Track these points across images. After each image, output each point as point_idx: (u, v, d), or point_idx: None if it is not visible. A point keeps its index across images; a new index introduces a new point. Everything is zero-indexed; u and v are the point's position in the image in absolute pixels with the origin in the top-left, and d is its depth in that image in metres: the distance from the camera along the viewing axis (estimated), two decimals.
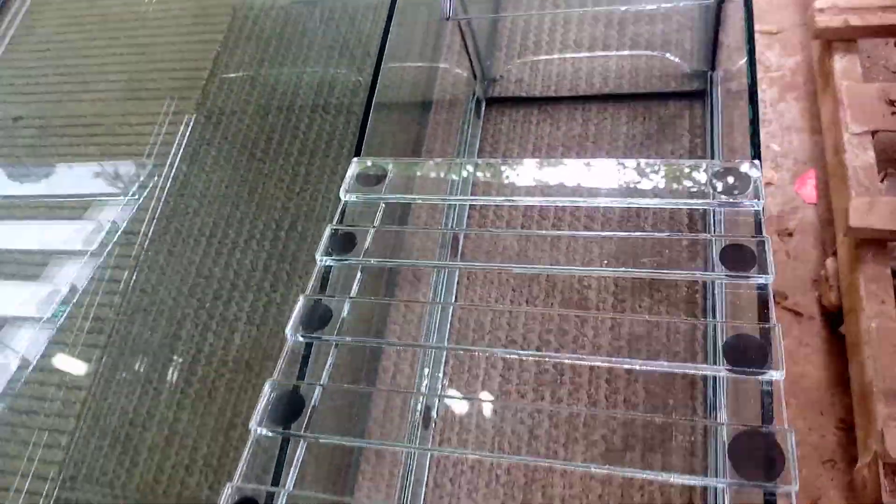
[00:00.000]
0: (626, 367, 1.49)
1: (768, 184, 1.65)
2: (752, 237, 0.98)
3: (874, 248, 1.34)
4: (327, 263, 1.10)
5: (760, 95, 1.76)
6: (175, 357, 1.79)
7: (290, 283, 1.81)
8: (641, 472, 1.38)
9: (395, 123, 1.82)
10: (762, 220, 0.99)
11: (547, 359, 1.50)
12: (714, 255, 0.98)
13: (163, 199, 2.03)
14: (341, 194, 1.16)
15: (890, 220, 1.31)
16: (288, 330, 1.03)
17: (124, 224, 2.03)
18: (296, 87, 2.12)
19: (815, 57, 1.71)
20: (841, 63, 1.54)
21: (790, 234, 1.58)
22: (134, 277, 1.93)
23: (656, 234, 1.57)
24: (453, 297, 1.63)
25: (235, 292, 1.83)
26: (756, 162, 1.00)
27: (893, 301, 1.29)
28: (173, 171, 2.08)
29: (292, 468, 0.96)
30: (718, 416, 1.28)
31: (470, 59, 1.77)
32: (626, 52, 1.78)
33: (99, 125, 2.26)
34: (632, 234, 1.54)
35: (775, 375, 0.86)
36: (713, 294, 1.41)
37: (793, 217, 1.61)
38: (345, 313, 1.06)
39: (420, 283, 1.69)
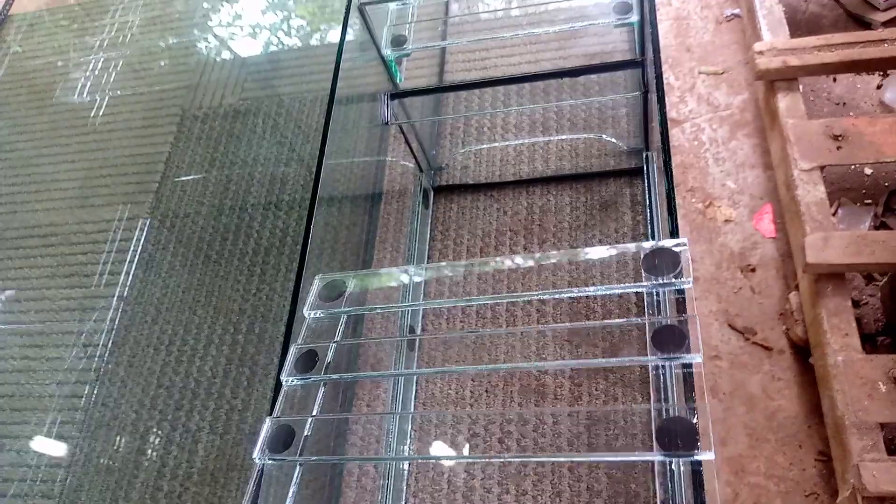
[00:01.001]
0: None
1: (727, 221, 1.68)
2: (679, 317, 1.01)
3: (833, 282, 1.36)
4: (293, 384, 1.15)
5: (712, 135, 1.82)
6: (139, 473, 1.78)
7: (251, 387, 1.82)
8: None
9: (346, 216, 1.86)
10: (689, 299, 1.03)
11: (509, 461, 1.52)
12: (648, 338, 1.02)
13: (120, 309, 2.05)
14: (305, 312, 1.21)
15: (845, 253, 1.34)
16: (255, 455, 1.07)
17: (82, 337, 2.03)
18: (247, 185, 2.16)
19: (760, 96, 1.75)
20: (784, 101, 1.59)
21: (753, 270, 1.61)
22: (95, 391, 1.93)
23: (590, 322, 1.61)
24: (413, 394, 1.65)
25: (197, 401, 1.84)
26: (682, 239, 1.03)
27: (857, 333, 1.31)
28: (129, 278, 2.09)
29: None
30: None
31: (414, 155, 1.82)
32: (566, 136, 1.85)
33: (54, 235, 2.28)
34: (568, 324, 1.58)
35: (705, 455, 0.89)
36: (658, 376, 1.44)
37: (754, 252, 1.64)
38: (307, 432, 1.10)
39: (381, 380, 1.71)
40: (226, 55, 2.52)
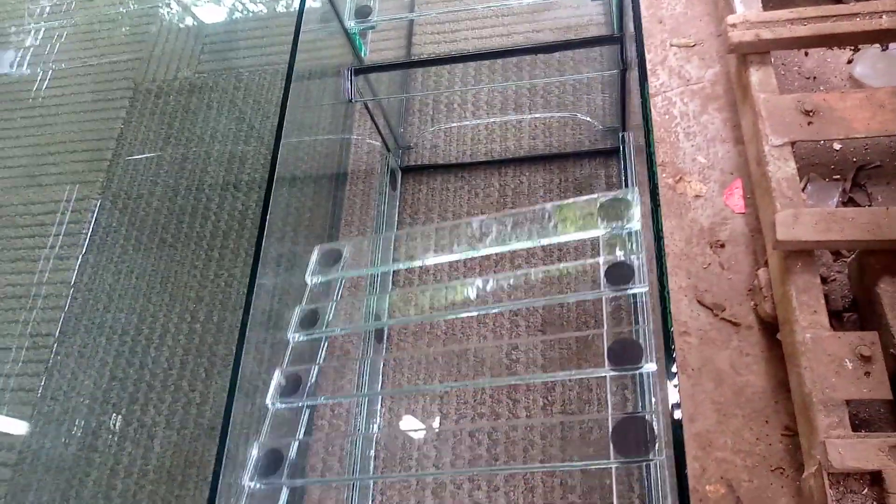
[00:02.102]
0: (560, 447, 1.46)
1: (697, 196, 1.67)
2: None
3: (803, 259, 1.37)
4: (299, 339, 1.30)
5: (683, 109, 1.79)
6: (91, 471, 1.70)
7: (209, 379, 1.74)
8: None
9: (308, 198, 1.77)
10: (637, 241, 1.14)
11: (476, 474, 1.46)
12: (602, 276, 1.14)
13: (70, 296, 1.94)
14: (307, 278, 1.37)
15: (815, 230, 1.34)
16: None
17: (29, 326, 1.93)
18: (204, 164, 2.06)
19: (732, 70, 1.74)
20: (757, 76, 1.57)
21: (722, 246, 1.60)
22: (44, 384, 1.84)
23: (559, 297, 1.56)
24: (379, 386, 1.58)
25: (152, 394, 1.76)
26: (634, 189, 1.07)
27: (825, 310, 1.32)
28: (79, 263, 1.99)
29: None
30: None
31: (380, 133, 1.73)
32: (539, 115, 1.77)
33: None
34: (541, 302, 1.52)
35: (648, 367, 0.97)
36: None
37: (723, 228, 1.63)
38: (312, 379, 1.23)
39: (345, 369, 1.64)
40: (180, 24, 2.39)
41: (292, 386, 1.25)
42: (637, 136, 1.59)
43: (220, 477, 1.14)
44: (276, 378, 1.25)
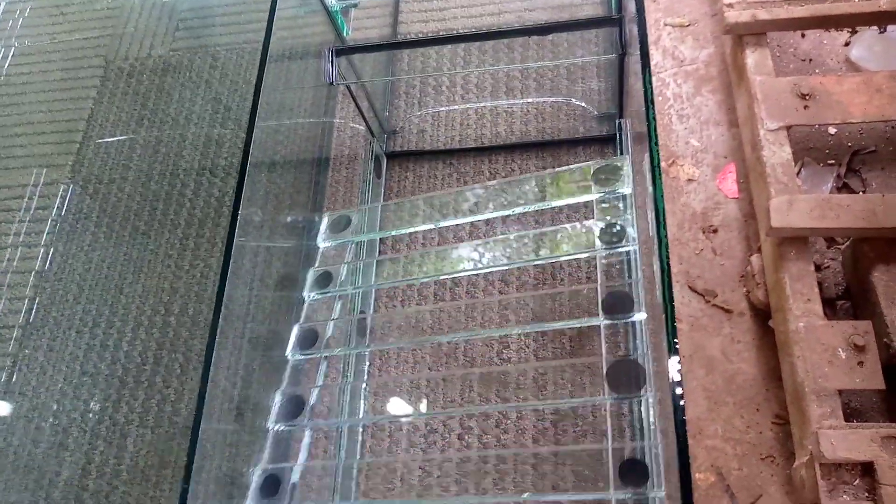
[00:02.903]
0: (552, 450, 1.41)
1: (690, 180, 1.64)
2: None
3: (797, 246, 1.35)
4: (314, 298, 1.43)
5: (676, 90, 1.75)
6: (62, 471, 1.63)
7: (184, 375, 1.68)
8: None
9: (288, 184, 1.69)
10: (629, 205, 1.20)
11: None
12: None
13: (38, 286, 1.86)
14: (318, 242, 1.49)
15: (810, 217, 1.33)
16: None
17: None
18: (179, 147, 1.97)
19: (727, 51, 1.71)
20: (753, 58, 1.55)
21: (715, 231, 1.58)
22: (12, 380, 1.76)
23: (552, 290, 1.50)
24: (363, 384, 1.52)
25: (125, 390, 1.69)
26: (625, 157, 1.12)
27: (819, 298, 1.31)
28: (48, 251, 1.90)
29: None
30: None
31: (364, 117, 1.65)
32: (531, 100, 1.70)
33: None
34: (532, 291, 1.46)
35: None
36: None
37: (716, 213, 1.60)
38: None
39: (330, 369, 1.58)
40: None
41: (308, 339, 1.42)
42: (635, 123, 1.52)
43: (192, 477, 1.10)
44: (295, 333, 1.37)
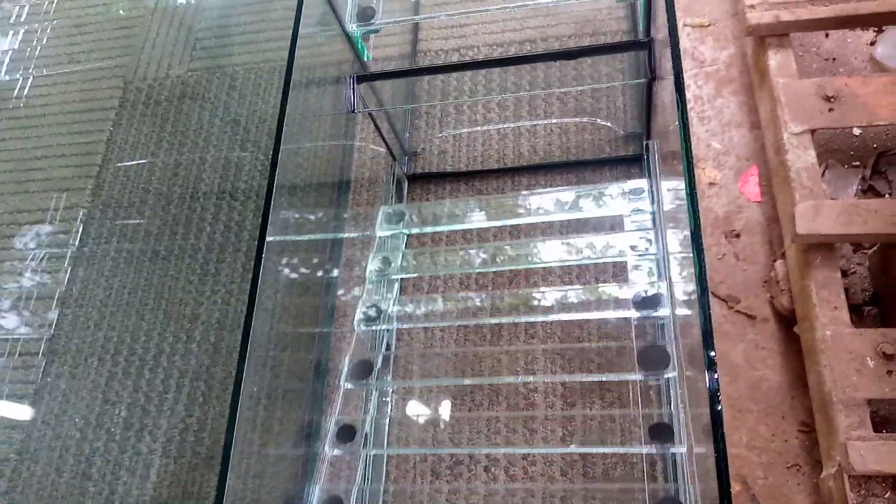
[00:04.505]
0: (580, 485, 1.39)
1: (712, 184, 1.63)
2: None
3: (823, 252, 1.34)
4: (374, 278, 1.58)
5: (697, 92, 1.73)
6: (86, 501, 1.64)
7: (206, 404, 1.68)
8: None
9: (309, 209, 1.69)
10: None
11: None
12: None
13: (60, 313, 1.87)
14: (377, 231, 1.62)
15: (836, 223, 1.31)
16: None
17: (18, 345, 1.86)
18: (199, 170, 1.97)
19: (748, 52, 1.69)
20: (776, 59, 1.53)
21: (737, 236, 1.57)
22: (35, 408, 1.77)
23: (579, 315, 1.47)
24: (387, 420, 1.51)
25: (147, 419, 1.69)
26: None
27: (846, 306, 1.30)
28: (68, 276, 1.91)
29: None
30: None
31: (384, 140, 1.64)
32: (554, 120, 1.67)
33: None
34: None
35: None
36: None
37: (739, 217, 1.59)
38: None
39: (349, 406, 1.57)
40: (171, 17, 2.29)
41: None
42: (663, 144, 1.50)
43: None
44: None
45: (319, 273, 1.67)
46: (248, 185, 1.91)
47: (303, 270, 1.55)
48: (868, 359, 1.24)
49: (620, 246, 1.44)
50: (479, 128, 1.74)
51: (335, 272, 1.73)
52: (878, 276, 1.41)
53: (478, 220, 1.56)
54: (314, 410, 1.56)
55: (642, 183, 1.48)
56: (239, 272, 1.80)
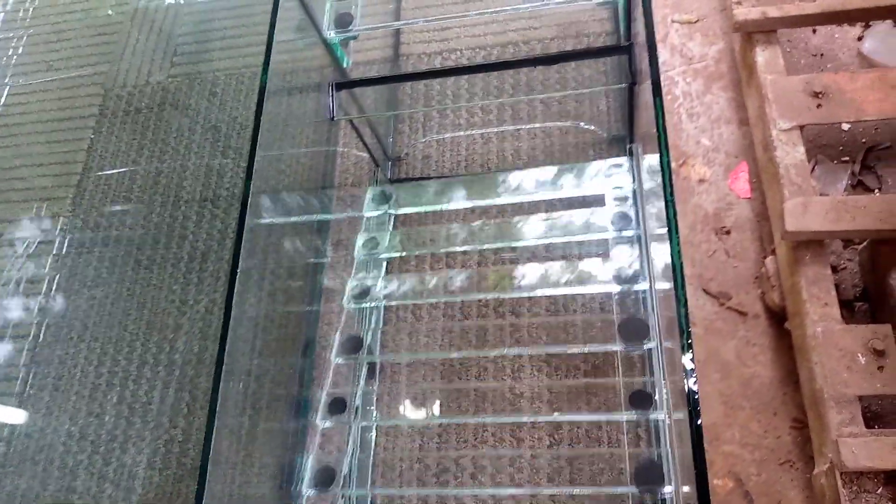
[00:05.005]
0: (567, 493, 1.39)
1: (701, 181, 1.63)
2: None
3: (813, 249, 1.34)
4: (362, 257, 1.62)
5: (686, 89, 1.74)
6: None
7: (191, 415, 1.67)
8: None
9: (291, 215, 1.68)
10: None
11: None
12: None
13: (42, 324, 1.86)
14: (364, 212, 1.65)
15: (826, 220, 1.32)
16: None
17: (1, 357, 1.85)
18: (180, 178, 1.96)
19: (736, 49, 1.69)
20: (763, 56, 1.53)
21: (728, 232, 1.57)
22: (18, 420, 1.76)
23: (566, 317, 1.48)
24: (373, 423, 1.50)
25: (132, 431, 1.69)
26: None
27: (836, 302, 1.30)
28: (50, 287, 1.90)
29: None
30: None
31: (367, 147, 1.64)
32: (538, 125, 1.67)
33: None
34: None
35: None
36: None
37: (728, 214, 1.59)
38: None
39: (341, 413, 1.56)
40: (151, 22, 2.27)
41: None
42: (646, 146, 1.50)
43: None
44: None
45: (309, 260, 1.67)
46: (230, 192, 1.90)
47: (290, 250, 1.55)
48: (859, 355, 1.25)
49: (602, 222, 1.47)
50: (462, 132, 1.74)
51: (326, 255, 1.73)
52: (869, 272, 1.42)
53: (461, 199, 1.59)
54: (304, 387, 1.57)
55: (622, 160, 1.53)
56: (221, 280, 1.79)
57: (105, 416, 1.72)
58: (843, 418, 1.21)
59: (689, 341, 0.86)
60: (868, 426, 1.22)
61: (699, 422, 0.79)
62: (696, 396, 0.85)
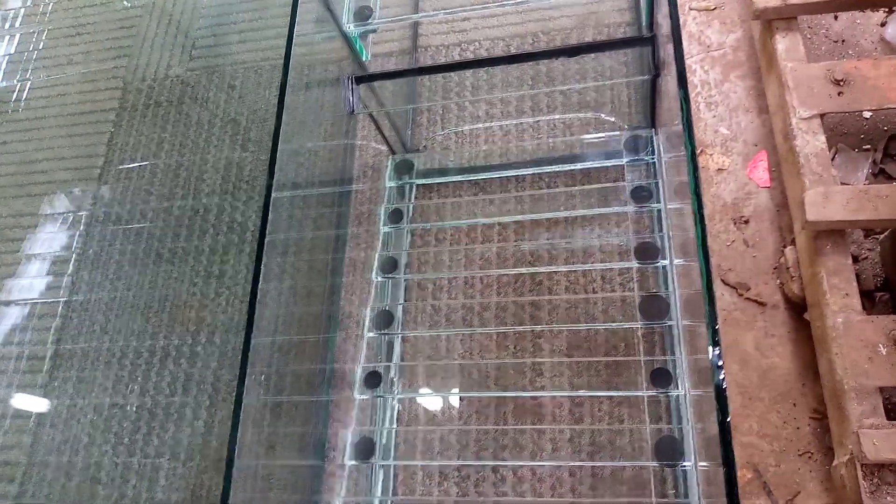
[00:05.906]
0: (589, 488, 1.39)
1: (720, 170, 1.62)
2: None
3: (833, 239, 1.33)
4: (388, 230, 1.68)
5: (704, 77, 1.72)
6: None
7: (213, 407, 1.69)
8: None
9: (311, 209, 1.69)
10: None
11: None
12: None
13: (66, 317, 1.88)
14: (386, 182, 1.70)
15: (846, 210, 1.31)
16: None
17: (26, 349, 1.88)
18: (200, 171, 1.97)
19: (756, 36, 1.67)
20: (783, 43, 1.51)
21: (746, 222, 1.57)
22: (43, 412, 1.79)
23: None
24: (395, 413, 1.51)
25: (155, 422, 1.71)
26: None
27: (857, 293, 1.29)
28: (73, 280, 1.92)
29: None
30: None
31: (385, 139, 1.64)
32: (557, 116, 1.66)
33: None
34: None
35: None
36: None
37: (747, 203, 1.58)
38: None
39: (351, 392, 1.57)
40: (169, 15, 2.28)
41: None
42: (668, 137, 1.49)
43: None
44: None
45: (329, 234, 1.69)
46: (250, 185, 1.91)
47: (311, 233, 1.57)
48: (880, 346, 1.24)
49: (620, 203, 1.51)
50: (481, 124, 1.74)
51: (346, 230, 1.78)
52: (890, 262, 1.40)
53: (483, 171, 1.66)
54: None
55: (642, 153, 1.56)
56: (243, 273, 1.81)
57: (128, 407, 1.74)
58: (864, 410, 1.21)
59: (717, 339, 0.86)
60: (889, 418, 1.21)
61: (727, 419, 0.79)
62: (725, 393, 0.85)
